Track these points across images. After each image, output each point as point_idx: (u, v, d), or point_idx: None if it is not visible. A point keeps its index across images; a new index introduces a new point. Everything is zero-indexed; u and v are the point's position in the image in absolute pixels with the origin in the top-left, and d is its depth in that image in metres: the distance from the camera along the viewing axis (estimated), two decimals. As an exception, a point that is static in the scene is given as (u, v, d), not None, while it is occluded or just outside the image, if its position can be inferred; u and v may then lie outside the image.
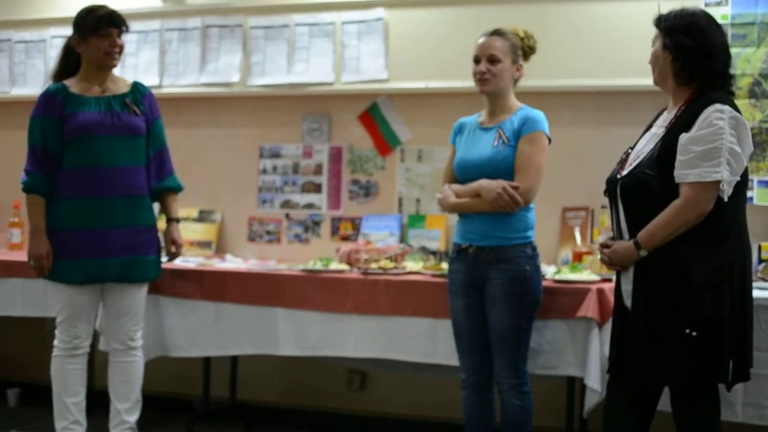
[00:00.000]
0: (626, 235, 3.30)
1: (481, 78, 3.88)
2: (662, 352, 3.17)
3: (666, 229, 3.15)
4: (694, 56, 3.23)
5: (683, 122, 3.20)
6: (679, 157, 3.15)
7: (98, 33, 4.18)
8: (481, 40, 3.92)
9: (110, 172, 4.16)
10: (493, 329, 3.80)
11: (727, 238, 3.18)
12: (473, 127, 3.95)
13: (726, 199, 3.14)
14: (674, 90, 3.32)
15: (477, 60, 3.90)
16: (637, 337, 3.25)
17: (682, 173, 3.14)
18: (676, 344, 3.14)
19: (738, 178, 3.16)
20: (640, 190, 3.23)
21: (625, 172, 3.32)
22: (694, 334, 3.11)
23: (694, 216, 3.12)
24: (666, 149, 3.20)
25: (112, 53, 4.22)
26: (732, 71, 3.34)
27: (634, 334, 3.26)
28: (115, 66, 4.26)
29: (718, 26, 3.30)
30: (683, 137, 3.16)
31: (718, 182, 3.11)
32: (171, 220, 4.40)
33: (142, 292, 4.32)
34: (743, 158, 3.16)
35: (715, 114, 3.13)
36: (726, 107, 3.15)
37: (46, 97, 4.21)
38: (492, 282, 3.78)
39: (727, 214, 3.18)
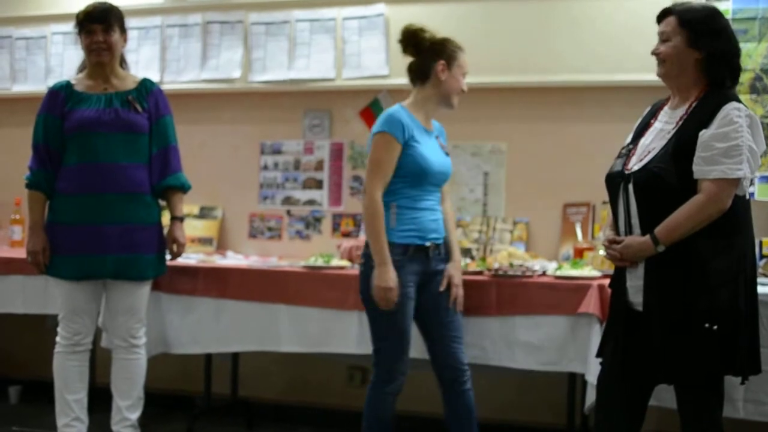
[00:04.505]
0: (637, 230, 3.27)
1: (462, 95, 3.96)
2: (680, 348, 3.16)
3: (687, 225, 3.14)
4: (725, 58, 3.25)
5: (698, 118, 3.19)
6: (700, 154, 3.15)
7: (83, 30, 4.22)
8: (465, 56, 3.94)
9: (107, 168, 4.16)
10: (455, 319, 3.91)
11: (740, 233, 3.20)
12: (420, 128, 3.90)
13: (748, 197, 3.17)
14: (687, 86, 3.30)
15: (464, 76, 3.95)
16: (651, 334, 3.22)
17: (705, 169, 3.14)
18: (694, 339, 3.13)
19: (755, 175, 3.19)
20: (657, 184, 3.21)
21: (636, 167, 3.28)
22: (714, 328, 3.11)
23: (715, 212, 3.12)
24: (682, 145, 3.19)
25: (95, 50, 4.22)
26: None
27: (649, 330, 3.23)
28: (101, 62, 4.23)
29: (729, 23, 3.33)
30: (704, 134, 3.15)
31: (739, 179, 3.13)
32: (175, 219, 4.38)
33: (142, 290, 4.30)
34: (758, 156, 3.19)
35: (734, 112, 3.14)
36: (741, 105, 3.18)
37: (51, 94, 4.25)
38: (441, 275, 3.91)
39: (739, 208, 3.19)
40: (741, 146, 3.11)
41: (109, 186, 4.15)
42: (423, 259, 3.84)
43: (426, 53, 3.89)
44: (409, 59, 3.96)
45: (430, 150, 3.88)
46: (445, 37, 3.93)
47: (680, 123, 3.24)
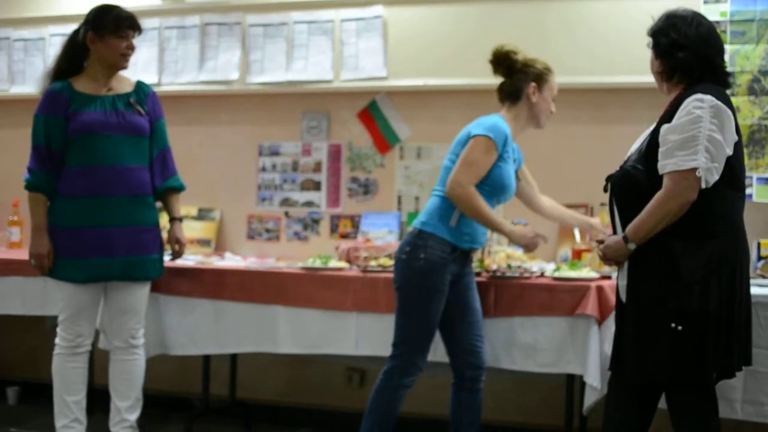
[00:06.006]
0: (619, 230, 3.34)
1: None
2: (647, 347, 3.21)
3: (649, 222, 3.17)
4: (668, 50, 3.30)
5: (669, 116, 3.23)
6: (660, 149, 3.19)
7: (117, 33, 4.19)
8: (554, 78, 4.02)
9: (114, 171, 4.16)
10: (479, 319, 4.00)
11: (715, 234, 3.18)
12: (512, 146, 3.96)
13: (703, 186, 3.13)
14: (667, 89, 3.37)
15: (553, 99, 4.02)
16: (628, 332, 3.29)
17: (662, 164, 3.17)
18: (661, 339, 3.17)
19: (716, 165, 3.14)
20: (629, 184, 3.28)
21: (618, 169, 3.38)
22: (679, 328, 3.13)
23: (676, 206, 3.13)
24: (652, 143, 3.24)
25: (127, 55, 4.23)
26: (726, 65, 3.36)
27: (626, 329, 3.31)
28: (126, 68, 4.27)
29: (699, 22, 3.32)
30: (663, 128, 3.20)
31: (695, 169, 3.11)
32: (174, 220, 4.40)
33: (144, 290, 4.32)
34: (724, 146, 3.15)
35: (694, 103, 3.15)
36: (707, 96, 3.16)
37: (51, 95, 4.19)
38: (470, 273, 4.01)
39: (716, 209, 3.19)
40: (697, 137, 3.11)
41: (117, 189, 4.16)
42: (462, 262, 3.91)
43: (518, 74, 3.95)
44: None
45: (512, 170, 3.95)
46: (536, 59, 3.99)
47: (657, 123, 3.29)
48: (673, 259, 3.16)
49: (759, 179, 4.47)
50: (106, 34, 4.18)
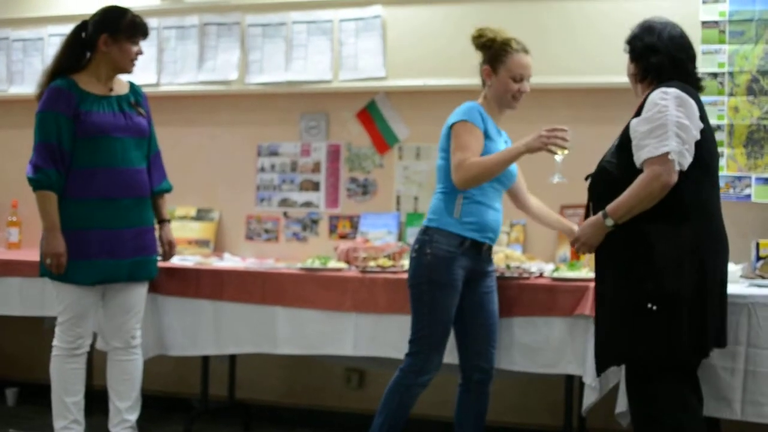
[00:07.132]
0: None
1: (519, 97, 3.89)
2: (623, 330, 3.31)
3: (630, 201, 3.26)
4: (642, 54, 3.46)
5: (638, 113, 3.35)
6: (633, 142, 3.30)
7: (133, 39, 4.19)
8: (526, 59, 3.88)
9: (123, 173, 4.16)
10: (494, 322, 3.94)
11: (688, 219, 3.28)
12: (493, 126, 3.89)
13: (677, 168, 3.22)
14: (641, 90, 3.48)
15: (520, 78, 3.86)
16: (604, 318, 3.41)
17: (637, 155, 3.28)
18: (635, 320, 3.27)
19: (688, 147, 3.24)
20: (602, 177, 3.42)
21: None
22: (654, 308, 3.22)
23: (658, 187, 3.22)
24: (623, 138, 3.37)
25: (135, 60, 4.23)
26: (697, 70, 3.49)
27: (601, 315, 3.44)
28: (131, 72, 4.27)
29: (673, 28, 3.46)
30: (632, 122, 3.33)
31: (668, 153, 3.20)
32: (164, 221, 4.44)
33: (144, 289, 4.36)
34: (692, 129, 3.26)
35: (659, 95, 3.29)
36: (671, 89, 3.30)
37: (59, 92, 4.11)
38: (490, 275, 3.94)
39: (689, 195, 3.28)
40: (666, 124, 3.23)
41: (124, 191, 4.17)
42: (474, 255, 3.85)
43: (482, 56, 3.91)
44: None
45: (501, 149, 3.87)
46: (495, 38, 3.86)
47: (630, 120, 3.40)
48: (647, 244, 3.27)
49: (758, 179, 4.44)
50: (121, 38, 4.17)
